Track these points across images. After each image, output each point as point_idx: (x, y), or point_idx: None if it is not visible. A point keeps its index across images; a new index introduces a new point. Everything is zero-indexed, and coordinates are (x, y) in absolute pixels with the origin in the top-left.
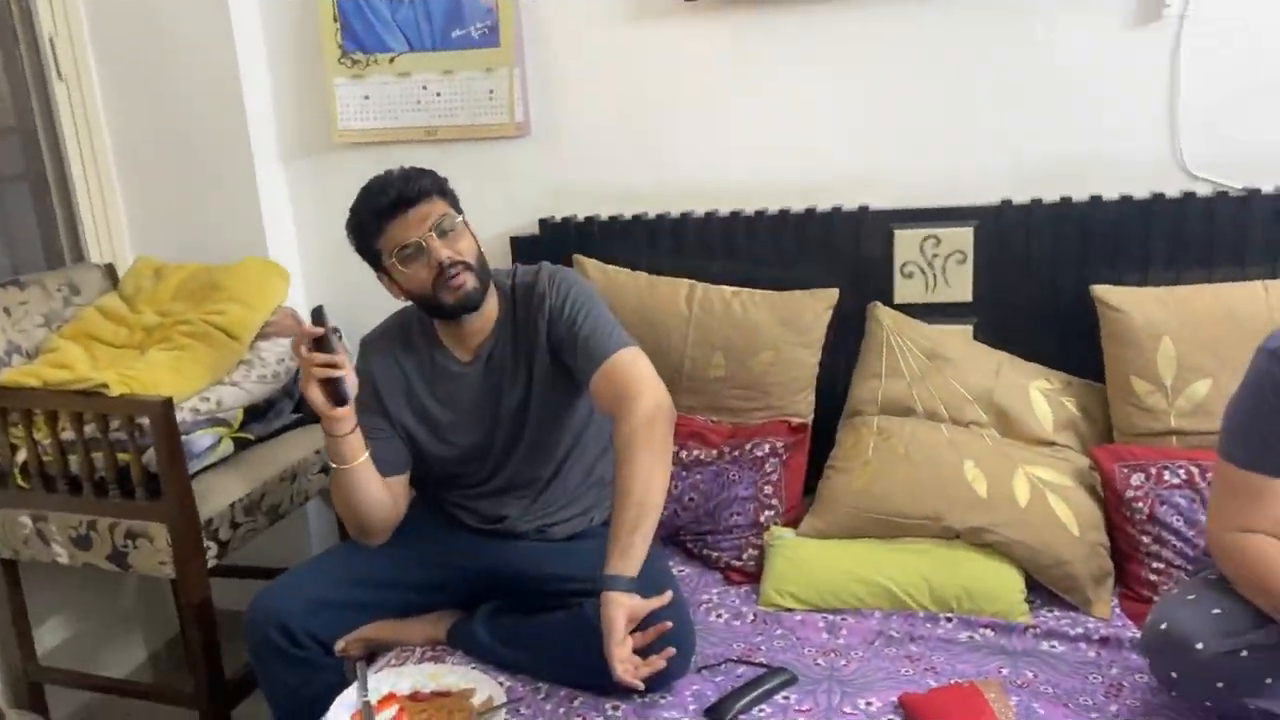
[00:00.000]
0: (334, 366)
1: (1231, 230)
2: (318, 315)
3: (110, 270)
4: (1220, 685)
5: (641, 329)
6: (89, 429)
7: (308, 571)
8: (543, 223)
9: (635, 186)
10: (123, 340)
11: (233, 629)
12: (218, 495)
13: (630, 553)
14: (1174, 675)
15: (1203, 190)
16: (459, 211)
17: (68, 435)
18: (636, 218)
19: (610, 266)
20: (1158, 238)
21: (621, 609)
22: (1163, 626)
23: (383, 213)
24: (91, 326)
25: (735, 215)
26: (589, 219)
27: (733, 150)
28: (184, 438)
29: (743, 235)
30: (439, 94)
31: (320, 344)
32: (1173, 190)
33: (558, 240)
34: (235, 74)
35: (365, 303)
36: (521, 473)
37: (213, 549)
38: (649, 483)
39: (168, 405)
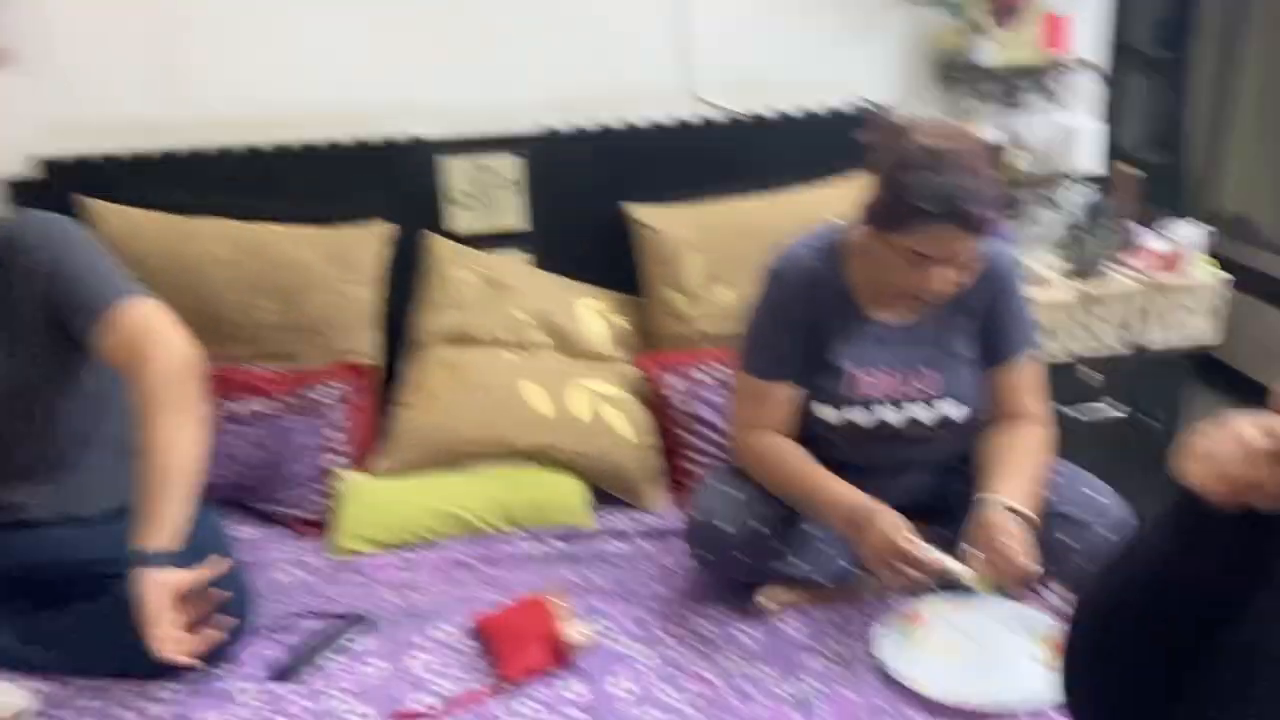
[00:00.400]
0: None
1: (742, 151)
2: None
3: None
4: (746, 560)
5: (177, 276)
6: None
7: None
8: (50, 165)
9: (157, 119)
10: None
11: None
12: None
13: (160, 523)
14: (709, 557)
15: (718, 115)
16: None
17: None
18: (167, 155)
19: (135, 210)
20: (682, 160)
21: (156, 586)
22: (697, 516)
23: None
24: None
25: (280, 149)
26: (108, 158)
27: (265, 77)
28: None
29: (289, 170)
30: None
31: None
32: (690, 115)
33: (69, 183)
34: None
35: None
36: (32, 455)
37: None
38: (173, 445)
39: None
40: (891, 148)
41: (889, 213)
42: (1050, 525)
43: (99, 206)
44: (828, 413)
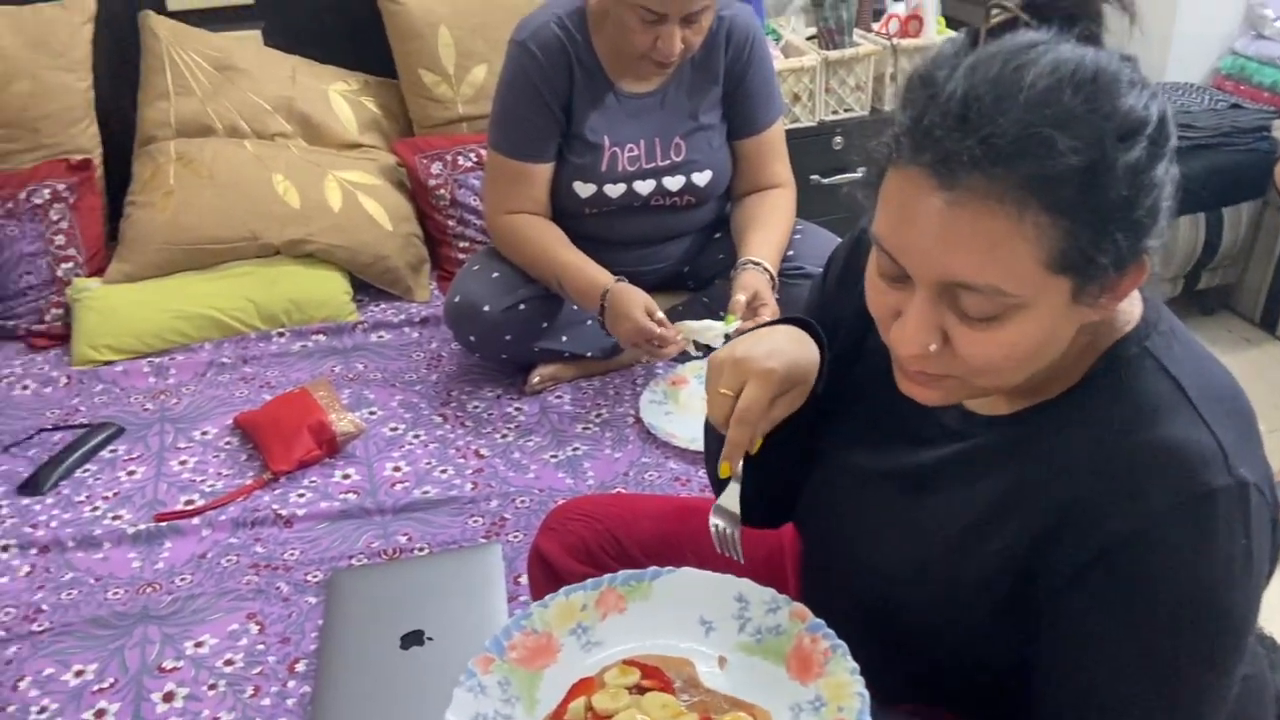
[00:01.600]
0: None
1: None
2: None
3: None
4: (508, 338)
5: None
6: None
7: None
8: None
9: None
10: None
11: None
12: None
13: None
14: (472, 338)
15: None
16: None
17: None
18: None
19: None
20: None
21: None
22: (456, 299)
23: None
24: None
25: None
26: None
27: None
28: None
29: None
30: None
31: None
32: None
33: None
34: None
35: None
36: None
37: None
38: None
39: None
40: None
41: None
42: (790, 278)
43: None
44: (582, 188)
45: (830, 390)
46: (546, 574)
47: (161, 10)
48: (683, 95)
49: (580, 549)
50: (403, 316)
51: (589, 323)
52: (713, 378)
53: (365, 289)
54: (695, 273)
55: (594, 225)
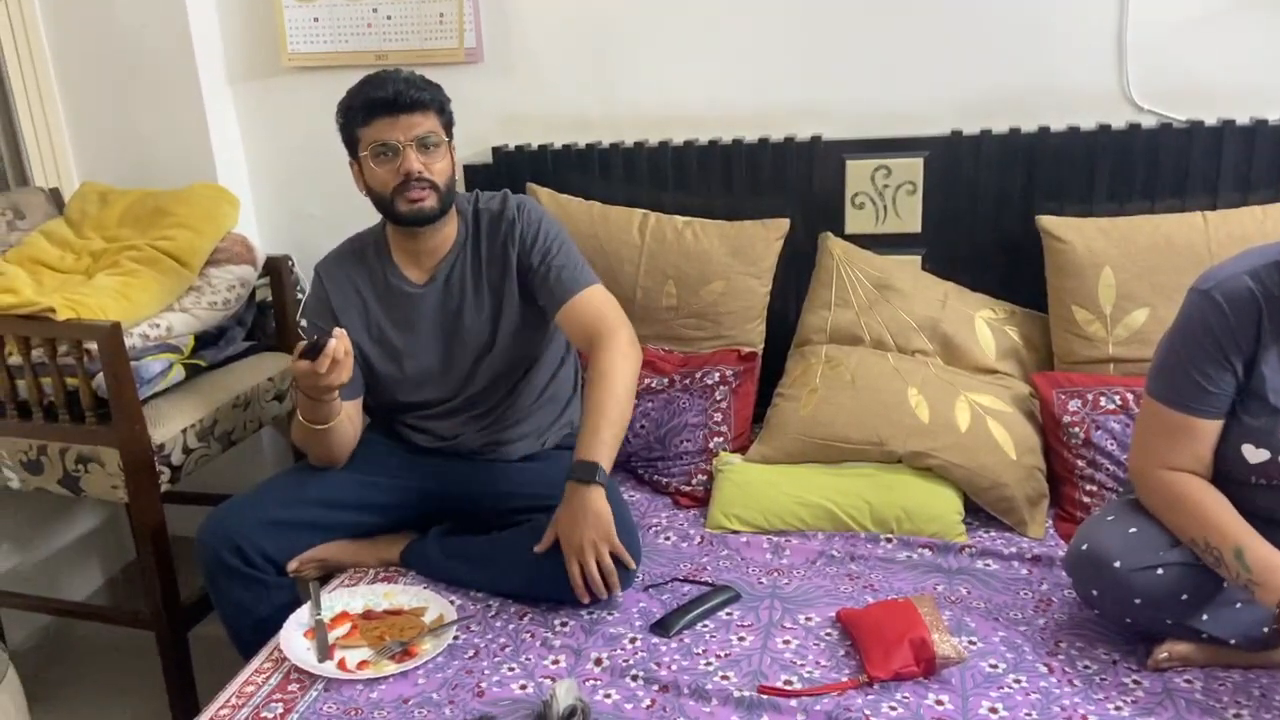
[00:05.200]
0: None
1: (1173, 162)
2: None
3: (55, 195)
4: (1138, 602)
5: (594, 258)
6: (36, 354)
7: (260, 492)
8: (496, 151)
9: (588, 115)
10: (69, 266)
11: (190, 555)
12: (170, 420)
13: (602, 443)
14: (1094, 593)
15: (1147, 122)
16: (449, 136)
17: (15, 360)
18: (590, 146)
19: (563, 195)
20: (1102, 169)
21: (602, 503)
22: (1084, 547)
23: (374, 106)
24: (37, 252)
25: (688, 145)
26: (542, 148)
27: (686, 79)
28: (133, 363)
29: (695, 165)
30: (389, 17)
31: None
32: (1118, 121)
33: (511, 169)
34: None
35: (314, 228)
36: (479, 394)
37: (165, 474)
38: (627, 401)
39: (115, 330)
40: None
41: None
42: None
43: (537, 189)
44: (1253, 454)
45: None
46: None
47: (840, 232)
48: None
49: None
50: (1013, 549)
51: (1239, 605)
52: None
53: (977, 513)
54: None
55: (1260, 499)
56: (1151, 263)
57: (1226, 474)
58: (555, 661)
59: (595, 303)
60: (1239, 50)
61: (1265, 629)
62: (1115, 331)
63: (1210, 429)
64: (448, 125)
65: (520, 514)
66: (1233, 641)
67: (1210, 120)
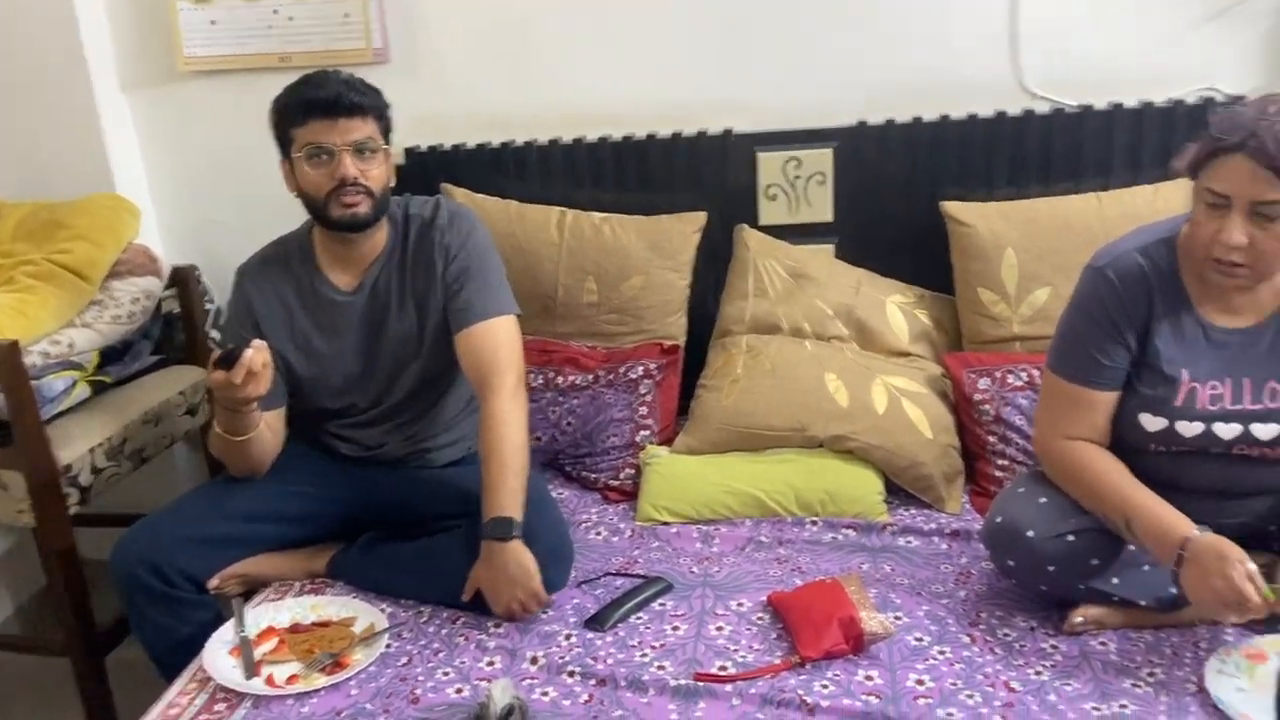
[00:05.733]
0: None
1: (1067, 145)
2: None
3: None
4: (1051, 569)
5: (513, 256)
6: None
7: (177, 509)
8: (409, 152)
9: (501, 114)
10: None
11: (105, 578)
12: (76, 440)
13: (511, 496)
14: (1010, 563)
15: (1041, 108)
16: (386, 143)
17: None
18: (504, 145)
19: (479, 195)
20: (1001, 154)
21: (523, 555)
22: (998, 519)
23: (312, 107)
24: None
25: (603, 141)
26: (455, 147)
27: (598, 76)
28: (34, 382)
29: (610, 161)
30: (291, 18)
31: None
32: (1014, 108)
33: (424, 170)
34: None
35: (221, 237)
36: (403, 402)
37: (74, 495)
38: (524, 447)
39: (13, 348)
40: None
41: (1194, 158)
42: None
43: (452, 189)
44: (1150, 421)
45: None
46: None
47: (754, 224)
48: (1278, 335)
49: None
50: (933, 525)
51: (1147, 568)
52: None
53: (897, 492)
54: (1263, 534)
55: (1160, 465)
56: (1051, 243)
57: (1127, 443)
58: (491, 663)
59: (493, 337)
60: (1125, 37)
61: (1172, 589)
62: (1019, 311)
63: (1107, 400)
64: (386, 131)
65: (448, 519)
66: (1144, 603)
67: (1100, 104)
